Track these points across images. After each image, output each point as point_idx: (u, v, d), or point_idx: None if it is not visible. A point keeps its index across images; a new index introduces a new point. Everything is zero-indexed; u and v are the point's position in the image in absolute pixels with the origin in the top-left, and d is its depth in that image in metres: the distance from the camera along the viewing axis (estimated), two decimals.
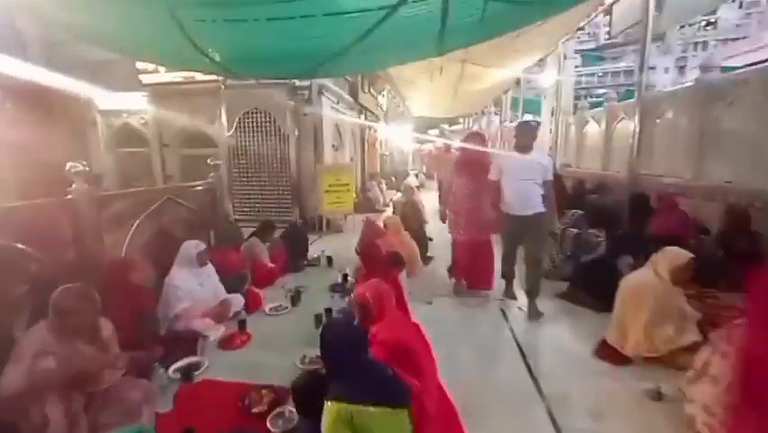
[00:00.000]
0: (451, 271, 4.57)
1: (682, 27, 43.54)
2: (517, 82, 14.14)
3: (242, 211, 7.85)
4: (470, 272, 4.30)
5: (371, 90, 10.86)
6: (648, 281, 2.85)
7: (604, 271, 3.87)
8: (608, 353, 3.00)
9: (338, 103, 8.42)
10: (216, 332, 3.18)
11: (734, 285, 4.05)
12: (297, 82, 7.14)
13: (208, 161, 4.45)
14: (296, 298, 3.95)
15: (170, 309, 3.05)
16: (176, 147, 8.14)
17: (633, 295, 2.88)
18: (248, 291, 3.85)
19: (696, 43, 43.00)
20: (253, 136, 7.52)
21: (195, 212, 4.06)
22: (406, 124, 17.33)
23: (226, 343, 3.10)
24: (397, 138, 16.60)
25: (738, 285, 4.02)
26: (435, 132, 24.05)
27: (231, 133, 7.52)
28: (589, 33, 37.83)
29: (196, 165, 8.23)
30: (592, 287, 3.90)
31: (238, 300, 3.60)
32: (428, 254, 5.48)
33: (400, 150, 18.19)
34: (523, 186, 3.62)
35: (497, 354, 3.15)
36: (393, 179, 12.99)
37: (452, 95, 12.01)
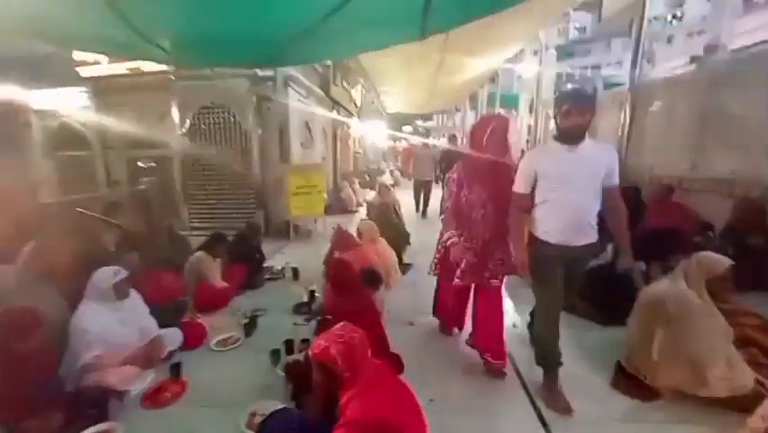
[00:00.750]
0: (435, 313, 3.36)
1: (649, 22, 44.28)
2: (492, 79, 13.79)
3: (201, 219, 7.05)
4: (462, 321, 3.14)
5: (344, 83, 10.16)
6: (684, 297, 2.31)
7: (612, 280, 3.34)
8: (628, 384, 2.47)
9: (307, 97, 7.70)
10: (141, 383, 2.47)
11: (744, 287, 3.63)
12: (260, 72, 6.40)
13: (139, 162, 3.70)
14: (250, 325, 3.25)
15: (77, 360, 2.33)
16: (122, 149, 7.25)
17: (663, 314, 2.34)
18: (187, 323, 3.13)
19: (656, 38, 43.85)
20: (211, 134, 6.73)
21: (120, 227, 3.31)
22: (380, 120, 16.74)
23: (152, 397, 2.39)
24: (370, 135, 15.96)
25: (751, 287, 3.63)
26: (409, 128, 23.67)
27: (184, 131, 6.71)
28: (558, 29, 37.97)
29: (146, 169, 7.42)
30: (598, 298, 3.37)
31: (174, 336, 2.88)
32: (406, 262, 4.87)
33: (374, 147, 17.55)
34: (574, 199, 2.20)
35: (497, 391, 2.56)
36: (367, 177, 12.32)
37: (430, 88, 11.47)
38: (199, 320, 3.26)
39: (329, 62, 8.86)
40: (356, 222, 8.14)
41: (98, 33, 2.69)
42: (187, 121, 6.69)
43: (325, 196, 9.11)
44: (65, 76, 6.78)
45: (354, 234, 4.23)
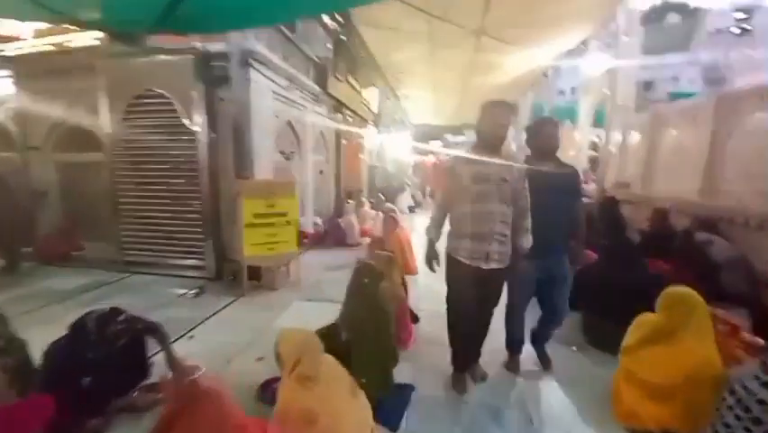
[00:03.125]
0: None
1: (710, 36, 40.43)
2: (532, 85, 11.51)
3: (133, 250, 5.12)
4: None
5: (351, 80, 8.15)
6: None
7: None
8: None
9: (289, 88, 5.68)
10: None
11: None
12: (210, 47, 4.47)
13: None
14: None
15: None
16: (48, 151, 5.53)
17: None
18: None
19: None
20: (147, 133, 4.82)
21: None
22: (404, 131, 14.70)
23: None
24: (393, 148, 13.85)
25: None
26: (438, 143, 21.44)
27: (115, 128, 4.86)
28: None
29: (81, 177, 5.61)
30: None
31: None
32: (399, 382, 2.65)
33: (397, 162, 15.35)
34: None
35: None
36: (381, 196, 10.08)
37: (461, 90, 9.34)
38: None
39: (329, 51, 6.88)
40: (353, 261, 5.82)
41: None
42: (120, 114, 4.84)
43: (319, 223, 7.08)
44: None
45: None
